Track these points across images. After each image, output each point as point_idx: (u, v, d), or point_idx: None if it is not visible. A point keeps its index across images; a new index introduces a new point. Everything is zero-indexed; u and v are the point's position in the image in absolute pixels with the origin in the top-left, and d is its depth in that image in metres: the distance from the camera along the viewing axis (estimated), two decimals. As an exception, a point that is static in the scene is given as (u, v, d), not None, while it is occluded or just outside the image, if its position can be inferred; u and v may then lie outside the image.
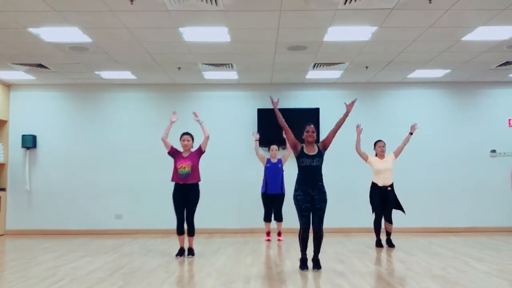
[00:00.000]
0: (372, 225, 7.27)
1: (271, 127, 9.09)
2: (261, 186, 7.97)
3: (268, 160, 7.97)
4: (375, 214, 7.18)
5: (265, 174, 7.92)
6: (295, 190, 5.52)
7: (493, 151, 9.33)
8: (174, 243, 7.58)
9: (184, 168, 6.28)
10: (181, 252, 6.48)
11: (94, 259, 6.28)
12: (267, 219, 7.94)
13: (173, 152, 6.44)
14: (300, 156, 5.48)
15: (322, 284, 4.83)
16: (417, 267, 5.57)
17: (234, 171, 9.03)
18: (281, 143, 8.04)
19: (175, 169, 6.33)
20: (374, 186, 7.20)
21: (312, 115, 8.89)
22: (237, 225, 9.07)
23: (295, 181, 5.58)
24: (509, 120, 9.39)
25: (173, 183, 6.41)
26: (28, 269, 5.62)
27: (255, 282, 4.89)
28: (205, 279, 5.08)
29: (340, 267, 5.64)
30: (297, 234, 5.57)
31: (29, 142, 9.16)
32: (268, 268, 5.68)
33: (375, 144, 7.31)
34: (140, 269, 5.62)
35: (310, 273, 5.34)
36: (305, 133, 5.53)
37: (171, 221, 6.44)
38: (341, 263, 5.90)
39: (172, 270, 5.53)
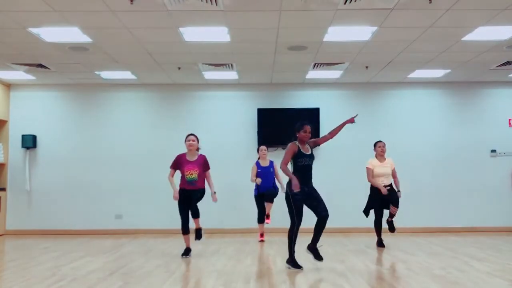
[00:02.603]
0: (372, 225, 7.25)
1: (271, 127, 9.13)
2: (253, 190, 7.83)
3: (258, 165, 7.75)
4: (375, 214, 7.16)
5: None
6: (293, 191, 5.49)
7: (493, 151, 9.33)
8: (174, 243, 7.58)
9: (192, 174, 6.30)
10: (187, 252, 6.44)
11: (94, 259, 6.27)
12: (260, 220, 7.82)
13: (177, 164, 6.40)
14: (299, 156, 5.45)
15: (322, 284, 4.83)
16: (417, 267, 5.57)
17: (234, 171, 9.02)
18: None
19: (183, 176, 6.34)
20: (373, 186, 7.16)
21: (312, 115, 8.89)
22: (237, 225, 9.06)
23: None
24: (509, 120, 9.39)
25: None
26: (28, 269, 5.61)
27: (255, 282, 4.89)
28: (205, 279, 5.08)
29: (340, 267, 5.64)
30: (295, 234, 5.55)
31: (29, 142, 9.16)
32: (268, 268, 5.68)
33: (375, 145, 7.29)
34: (140, 269, 5.61)
35: (310, 273, 5.33)
36: (302, 133, 5.46)
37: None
38: (341, 263, 5.90)
39: (172, 270, 5.53)
